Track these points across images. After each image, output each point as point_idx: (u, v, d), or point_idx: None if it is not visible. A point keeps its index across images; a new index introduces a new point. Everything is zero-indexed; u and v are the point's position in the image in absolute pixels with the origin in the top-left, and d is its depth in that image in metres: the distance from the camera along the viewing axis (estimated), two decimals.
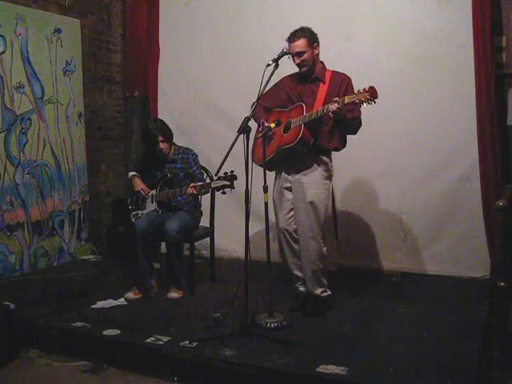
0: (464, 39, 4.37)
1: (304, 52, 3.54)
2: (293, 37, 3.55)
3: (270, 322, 3.39)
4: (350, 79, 3.63)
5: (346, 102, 3.29)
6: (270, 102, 3.77)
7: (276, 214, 3.79)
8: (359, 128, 3.61)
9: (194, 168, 4.29)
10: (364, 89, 3.24)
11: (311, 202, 3.57)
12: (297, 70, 3.68)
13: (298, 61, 3.56)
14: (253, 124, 3.48)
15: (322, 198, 3.62)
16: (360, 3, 4.77)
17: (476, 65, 4.33)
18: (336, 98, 3.34)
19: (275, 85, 3.71)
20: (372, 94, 3.21)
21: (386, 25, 4.65)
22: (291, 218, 3.71)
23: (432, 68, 4.52)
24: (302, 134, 3.44)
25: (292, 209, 3.70)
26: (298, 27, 3.59)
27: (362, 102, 3.24)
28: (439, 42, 4.49)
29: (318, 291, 3.69)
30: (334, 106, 3.31)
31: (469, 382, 2.65)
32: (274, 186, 3.78)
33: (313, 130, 3.51)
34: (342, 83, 3.60)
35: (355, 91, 3.32)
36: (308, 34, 3.55)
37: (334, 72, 3.65)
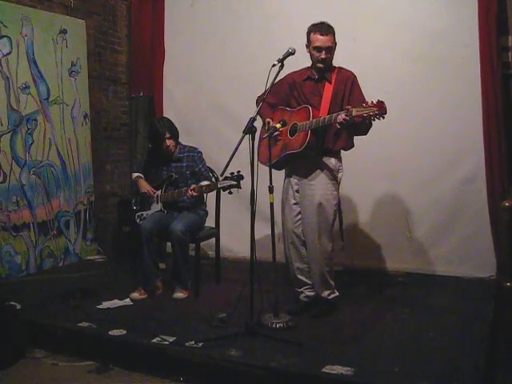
0: (470, 39, 4.36)
1: (332, 48, 3.51)
2: (325, 30, 3.46)
3: (276, 323, 3.38)
4: (355, 77, 3.58)
5: (353, 114, 3.21)
6: (275, 98, 3.69)
7: (283, 217, 3.76)
8: (370, 128, 3.51)
9: (200, 166, 4.29)
10: (372, 102, 3.16)
11: (319, 204, 3.52)
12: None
13: (324, 55, 3.47)
14: (258, 124, 3.45)
15: (330, 199, 3.56)
16: (365, 3, 4.76)
17: (482, 64, 4.31)
18: (348, 107, 3.26)
19: (280, 81, 3.59)
20: (381, 110, 3.13)
21: (392, 25, 4.64)
22: (299, 220, 3.66)
23: (438, 68, 4.51)
24: (308, 140, 3.41)
25: (300, 211, 3.66)
26: (319, 22, 3.52)
27: (370, 117, 3.17)
28: (445, 41, 4.48)
29: (326, 293, 3.66)
30: (341, 117, 3.26)
31: (474, 383, 2.64)
32: (282, 188, 3.76)
33: (319, 133, 3.48)
34: (347, 82, 3.55)
35: (364, 103, 3.21)
36: (334, 32, 3.50)
37: (339, 69, 3.60)
